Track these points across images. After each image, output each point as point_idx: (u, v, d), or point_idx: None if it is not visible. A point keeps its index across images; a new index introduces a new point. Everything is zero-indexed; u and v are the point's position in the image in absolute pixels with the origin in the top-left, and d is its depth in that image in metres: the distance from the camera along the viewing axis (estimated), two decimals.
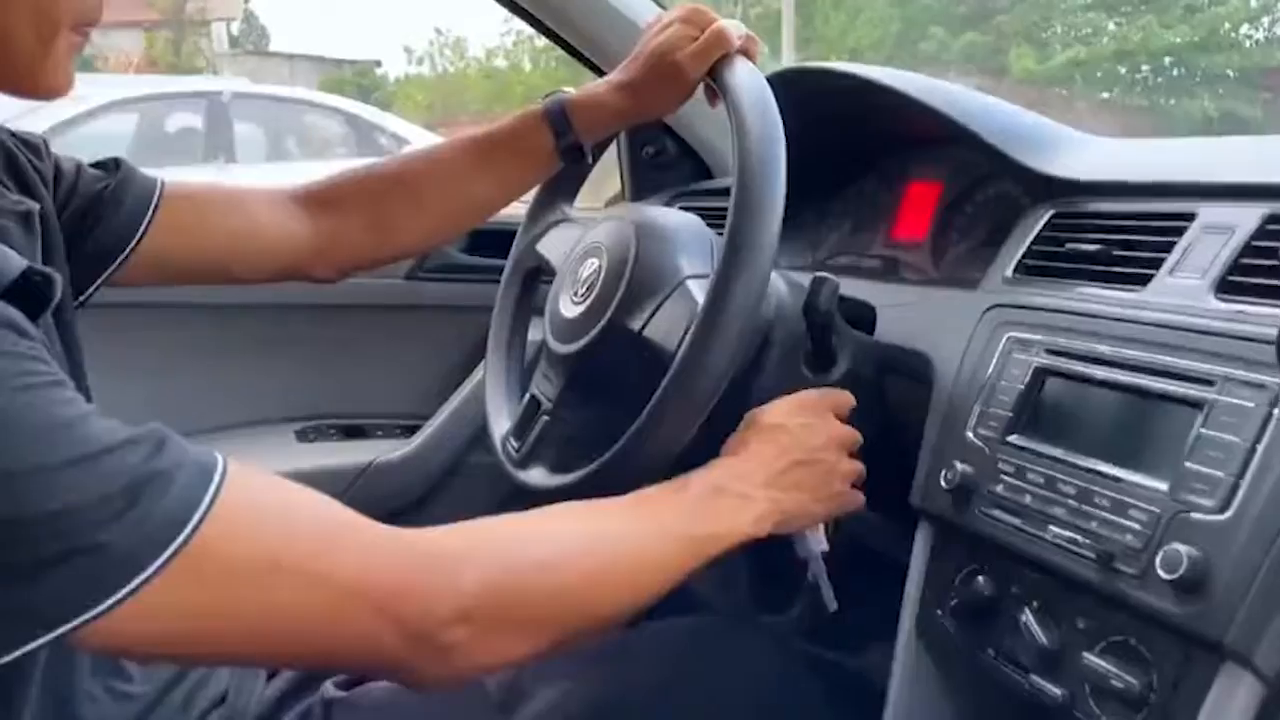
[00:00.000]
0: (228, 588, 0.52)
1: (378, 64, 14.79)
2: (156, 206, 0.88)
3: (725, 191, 0.81)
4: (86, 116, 5.40)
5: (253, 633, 0.54)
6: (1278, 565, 0.59)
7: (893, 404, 0.95)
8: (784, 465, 0.77)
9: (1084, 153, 0.94)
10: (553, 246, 1.06)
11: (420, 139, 6.12)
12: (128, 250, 0.87)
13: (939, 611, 0.82)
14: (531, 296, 1.09)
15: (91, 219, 0.86)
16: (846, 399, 0.83)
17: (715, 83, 0.89)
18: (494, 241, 1.23)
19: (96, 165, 0.89)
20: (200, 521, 0.50)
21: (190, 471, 0.51)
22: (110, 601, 0.47)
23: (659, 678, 0.89)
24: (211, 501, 0.51)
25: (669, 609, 1.04)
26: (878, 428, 0.94)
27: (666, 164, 1.43)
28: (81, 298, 0.86)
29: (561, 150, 0.95)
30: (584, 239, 0.98)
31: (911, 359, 0.92)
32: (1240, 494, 0.61)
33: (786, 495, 0.76)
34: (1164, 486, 0.66)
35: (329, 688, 0.85)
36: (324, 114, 6.36)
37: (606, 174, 1.51)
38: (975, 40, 13.02)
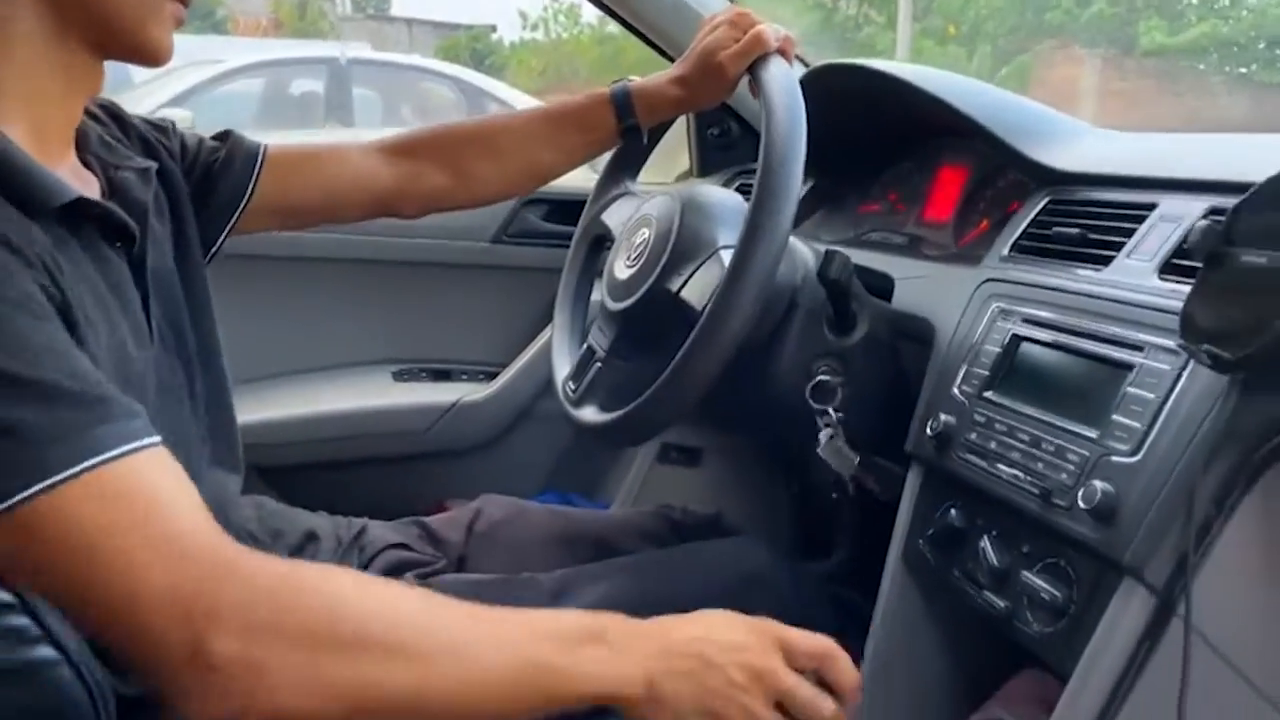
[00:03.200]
0: (67, 541, 0.58)
1: (493, 29, 15.01)
2: (261, 165, 1.03)
3: None
4: (220, 80, 5.75)
5: (64, 595, 0.60)
6: (1170, 499, 0.71)
7: (905, 365, 1.07)
8: (687, 651, 0.68)
9: (1083, 144, 1.05)
10: (614, 216, 1.21)
11: (526, 103, 6.32)
12: (243, 203, 1.02)
13: (920, 541, 0.95)
14: (596, 260, 1.24)
15: (211, 181, 1.01)
16: (818, 651, 0.71)
17: (753, 79, 1.02)
18: (570, 211, 1.37)
19: (214, 138, 1.04)
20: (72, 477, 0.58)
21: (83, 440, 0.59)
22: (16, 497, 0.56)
23: (689, 581, 1.03)
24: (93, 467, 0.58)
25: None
26: (891, 384, 1.08)
27: (730, 144, 1.56)
28: (213, 248, 1.01)
29: (622, 131, 1.10)
30: (639, 210, 1.12)
31: (919, 324, 1.05)
32: (1149, 440, 0.73)
33: (668, 678, 0.67)
34: (1094, 434, 0.78)
35: (411, 578, 1.01)
36: (437, 80, 6.59)
37: (677, 152, 1.65)
38: (1104, 11, 12.58)
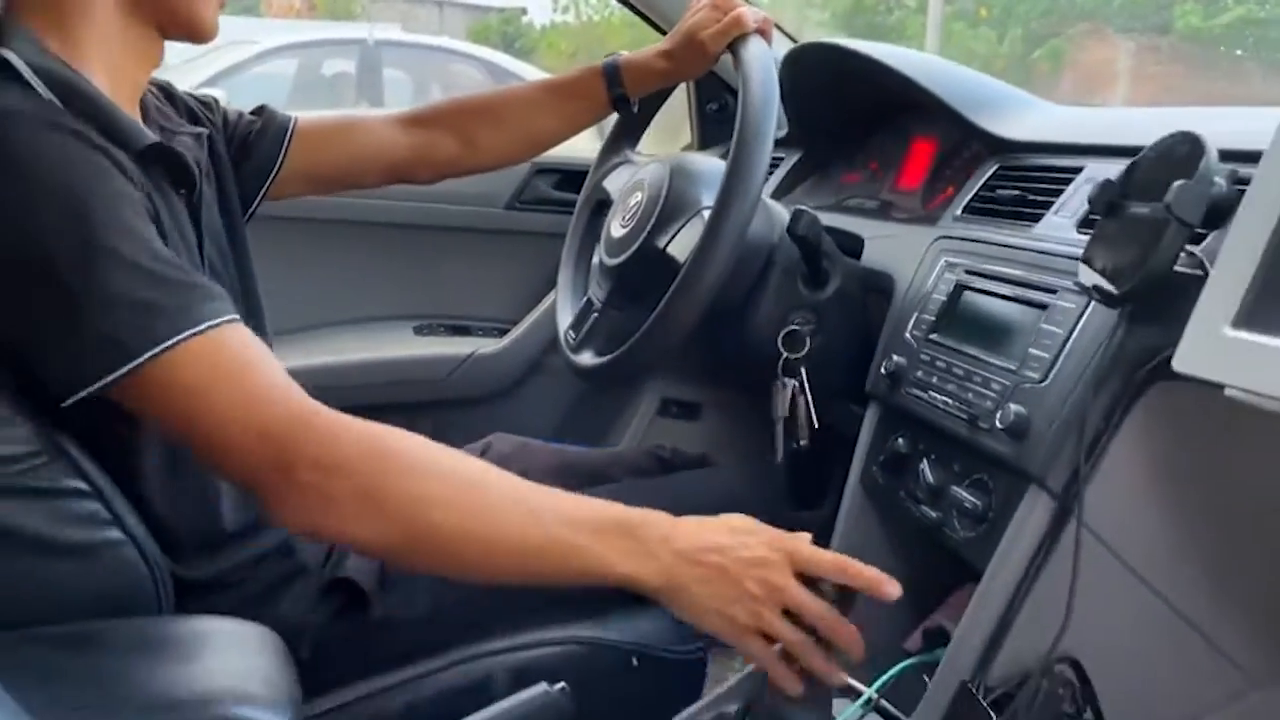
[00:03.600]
0: (180, 397, 0.74)
1: (523, 11, 15.08)
2: (290, 136, 1.16)
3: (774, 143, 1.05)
4: (254, 60, 5.90)
5: (185, 435, 0.76)
6: (1068, 417, 0.82)
7: (870, 315, 1.19)
8: (707, 559, 0.75)
9: (1031, 117, 1.16)
10: (614, 183, 1.34)
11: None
12: (274, 170, 1.15)
13: (874, 467, 1.07)
14: (597, 224, 1.36)
15: (247, 150, 1.14)
16: (832, 565, 0.76)
17: (734, 57, 1.13)
18: (577, 180, 1.48)
19: (251, 112, 1.17)
20: (202, 333, 0.74)
21: (206, 308, 0.75)
22: (144, 356, 0.72)
23: (671, 502, 1.15)
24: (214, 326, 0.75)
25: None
26: (858, 334, 1.19)
27: (728, 118, 1.66)
28: (250, 209, 1.14)
29: (613, 100, 1.22)
30: (635, 176, 1.24)
31: (883, 279, 1.17)
32: (1055, 368, 0.85)
33: (689, 577, 0.74)
34: (1014, 366, 0.89)
35: None
36: (466, 63, 6.71)
37: (681, 127, 1.77)
38: None
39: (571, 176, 1.69)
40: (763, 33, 1.14)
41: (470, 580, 0.79)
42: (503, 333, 1.75)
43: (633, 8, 1.57)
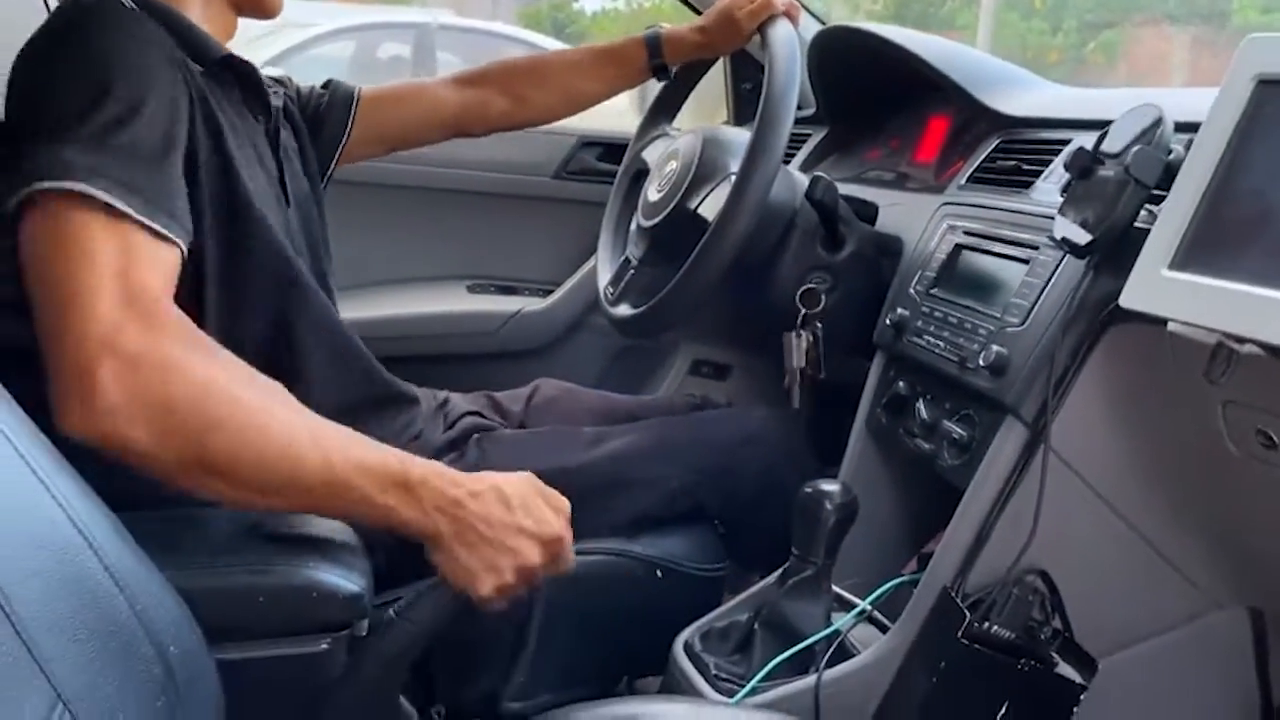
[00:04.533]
0: (69, 242, 0.74)
1: None
2: (356, 103, 1.29)
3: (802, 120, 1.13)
4: (312, 42, 6.06)
5: (39, 283, 0.74)
6: (1040, 355, 0.94)
7: (882, 276, 1.31)
8: (477, 525, 0.79)
9: (1033, 95, 1.26)
10: (652, 154, 1.46)
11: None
12: (345, 135, 1.28)
13: (878, 409, 1.19)
14: (636, 192, 1.48)
15: (319, 119, 1.27)
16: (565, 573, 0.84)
17: (761, 37, 1.25)
18: (621, 153, 1.60)
19: (321, 86, 1.31)
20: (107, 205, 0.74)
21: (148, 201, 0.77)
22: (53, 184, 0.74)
23: (701, 433, 1.27)
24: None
25: None
26: (870, 293, 1.31)
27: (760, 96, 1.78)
28: (327, 174, 1.27)
29: (652, 68, 1.35)
30: (670, 146, 1.37)
31: (893, 242, 1.28)
32: (1032, 313, 0.97)
33: (452, 535, 0.78)
34: (998, 313, 1.01)
35: (477, 438, 1.26)
36: (519, 47, 6.82)
37: (716, 105, 1.89)
38: None
39: (614, 149, 1.82)
40: (790, 16, 1.26)
41: (247, 507, 0.79)
42: (548, 293, 1.88)
43: None
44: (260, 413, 0.75)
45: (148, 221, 0.77)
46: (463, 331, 1.81)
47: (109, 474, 0.70)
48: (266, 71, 1.22)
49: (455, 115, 1.35)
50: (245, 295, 0.97)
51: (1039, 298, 0.96)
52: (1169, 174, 0.85)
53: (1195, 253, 0.76)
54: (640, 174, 1.48)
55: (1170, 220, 0.78)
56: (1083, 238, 0.89)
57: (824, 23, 1.62)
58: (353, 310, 1.71)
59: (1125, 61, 9.64)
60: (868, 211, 1.38)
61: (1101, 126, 1.06)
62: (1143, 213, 0.88)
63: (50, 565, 0.66)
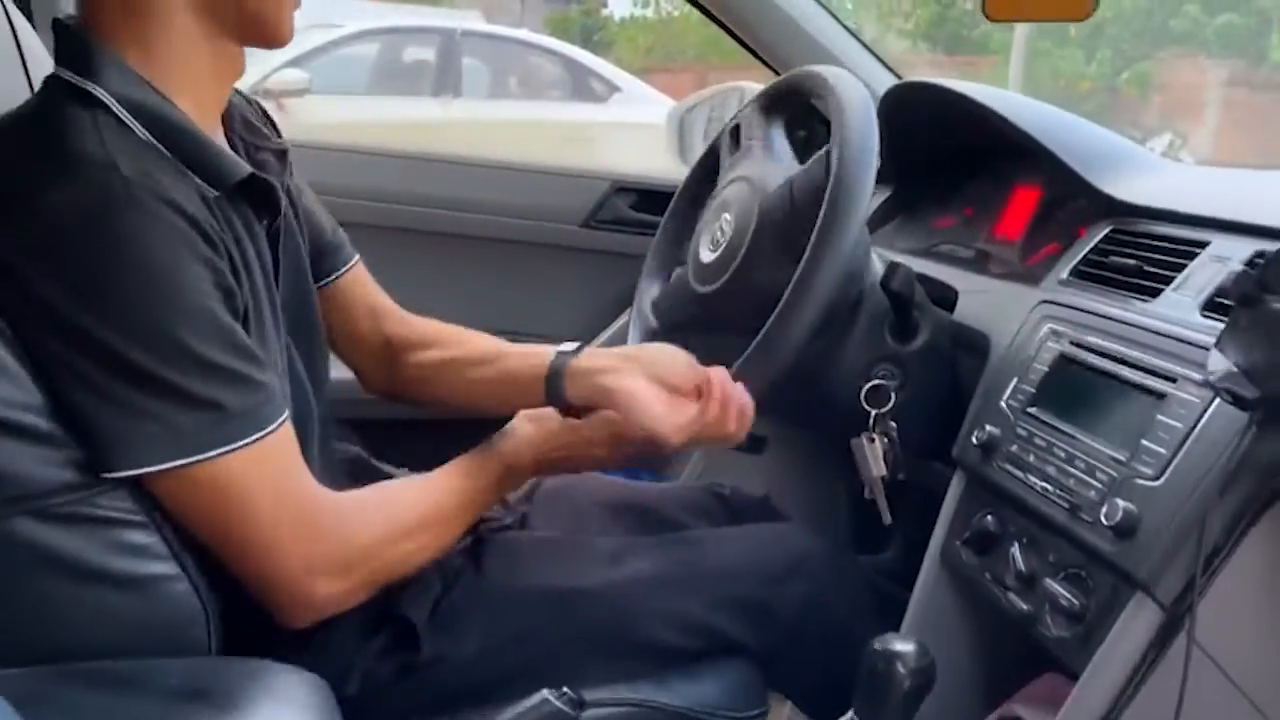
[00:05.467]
0: (228, 497, 0.78)
1: (604, 4, 15.09)
2: (336, 279, 1.10)
3: None
4: (338, 44, 5.97)
5: (233, 528, 0.80)
6: (1185, 523, 0.76)
7: (960, 373, 1.13)
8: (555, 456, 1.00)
9: (1149, 176, 1.08)
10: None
11: (632, 87, 6.40)
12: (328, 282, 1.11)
13: (958, 542, 1.01)
14: (689, 230, 1.26)
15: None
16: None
17: (821, 100, 1.07)
18: (657, 201, 1.45)
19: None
20: (242, 447, 0.77)
21: (266, 411, 0.79)
22: (200, 456, 0.76)
23: (734, 559, 1.10)
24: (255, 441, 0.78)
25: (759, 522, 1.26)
26: (946, 391, 1.13)
27: (815, 146, 1.61)
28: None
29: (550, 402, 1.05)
30: (722, 193, 1.18)
31: (976, 337, 1.10)
32: (1172, 467, 0.78)
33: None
34: (1124, 456, 0.83)
35: (485, 532, 1.10)
36: (545, 56, 6.71)
37: None
38: (1233, 22, 12.13)
39: (651, 197, 1.65)
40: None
41: None
42: None
43: (738, 39, 1.53)
44: (418, 524, 0.90)
45: (274, 425, 0.80)
46: None
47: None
48: (266, 75, 1.09)
49: (363, 357, 1.17)
50: None
51: (1181, 447, 0.78)
52: None
53: None
54: (697, 200, 1.31)
55: None
56: (1249, 390, 0.71)
57: (897, 75, 1.45)
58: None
59: (1159, 93, 9.47)
60: (945, 296, 1.20)
61: (1245, 231, 0.89)
62: None
63: None
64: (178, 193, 0.77)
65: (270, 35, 0.90)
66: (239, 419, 0.77)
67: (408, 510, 0.90)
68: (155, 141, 0.79)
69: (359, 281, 1.15)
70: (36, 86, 1.00)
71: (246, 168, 0.85)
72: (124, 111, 0.79)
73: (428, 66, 6.41)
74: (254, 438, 0.78)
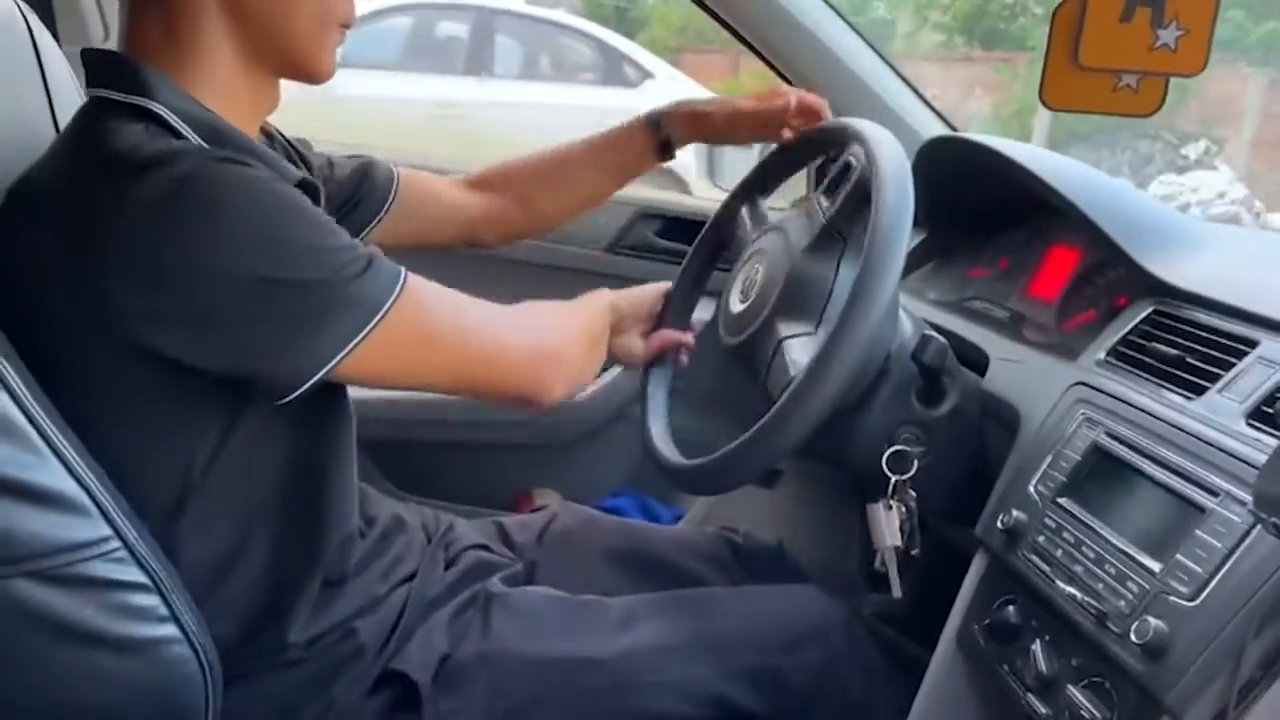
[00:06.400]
0: (429, 330, 0.89)
1: None
2: (396, 188, 1.19)
3: None
4: (371, 17, 5.93)
5: (439, 373, 0.91)
6: (1219, 651, 0.72)
7: (987, 444, 1.10)
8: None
9: (1195, 254, 1.04)
10: (741, 229, 1.24)
11: (664, 74, 6.33)
12: (377, 219, 1.18)
13: (976, 626, 0.98)
14: (709, 271, 1.30)
15: (355, 199, 1.15)
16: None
17: (863, 151, 1.03)
18: (682, 229, 1.41)
19: (354, 162, 1.17)
20: (397, 297, 0.84)
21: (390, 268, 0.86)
22: (361, 335, 0.81)
23: (746, 625, 1.08)
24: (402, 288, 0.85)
25: (778, 577, 1.23)
26: (971, 460, 1.10)
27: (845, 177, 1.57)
28: None
29: (657, 145, 1.23)
30: (755, 244, 1.15)
31: (1006, 410, 1.07)
32: (1209, 589, 0.75)
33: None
34: (1158, 569, 0.80)
35: (495, 583, 1.09)
36: (578, 38, 6.64)
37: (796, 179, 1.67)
38: (1278, 30, 11.91)
39: (676, 224, 1.62)
40: (811, 113, 1.18)
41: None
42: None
43: (746, 44, 1.50)
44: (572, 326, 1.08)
45: (405, 273, 0.87)
46: (486, 419, 1.61)
47: None
48: (293, 138, 1.11)
49: (471, 220, 1.26)
50: (290, 449, 0.92)
51: (1220, 569, 0.75)
52: None
53: None
54: (720, 246, 1.28)
55: None
56: None
57: (949, 123, 1.40)
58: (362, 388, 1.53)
59: (1197, 99, 9.32)
60: (975, 357, 1.17)
61: None
62: None
63: None
64: (263, 171, 0.81)
65: (309, 71, 0.92)
66: (385, 271, 0.84)
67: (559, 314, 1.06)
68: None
69: (413, 185, 1.23)
70: (59, 109, 0.99)
71: (297, 172, 0.89)
72: (177, 119, 0.81)
73: (461, 43, 6.35)
74: (403, 279, 0.85)
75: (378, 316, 0.82)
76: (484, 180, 1.26)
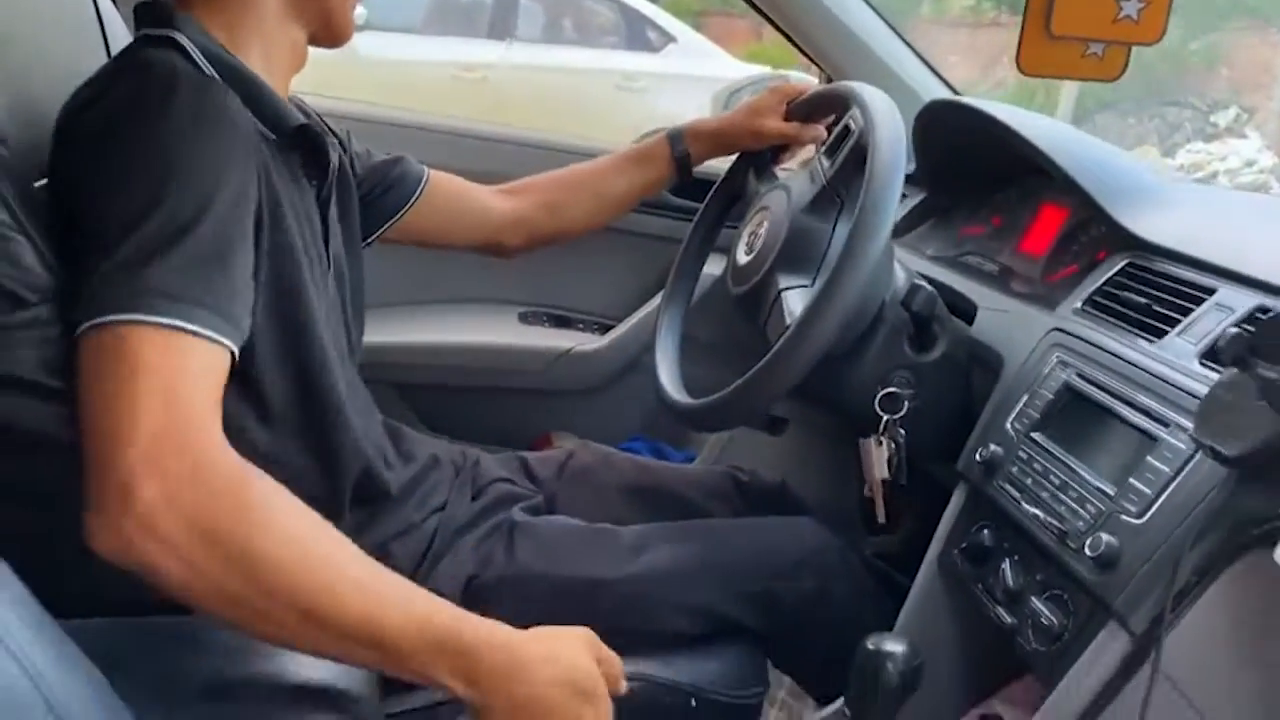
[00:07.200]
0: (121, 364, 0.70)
1: None
2: (424, 185, 1.25)
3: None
4: None
5: (86, 397, 0.71)
6: (1160, 562, 0.81)
7: (972, 387, 1.18)
8: (530, 707, 0.73)
9: (1170, 213, 1.11)
10: (752, 183, 1.33)
11: (687, 38, 6.35)
12: (402, 213, 1.24)
13: (955, 550, 1.08)
14: (720, 223, 1.38)
15: (384, 190, 1.22)
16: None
17: (862, 113, 1.11)
18: (694, 187, 1.49)
19: (389, 158, 1.24)
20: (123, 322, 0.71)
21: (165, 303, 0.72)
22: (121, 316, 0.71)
23: (748, 552, 1.17)
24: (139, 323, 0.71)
25: (780, 511, 1.32)
26: (957, 403, 1.19)
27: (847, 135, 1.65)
28: (367, 241, 1.20)
29: (675, 159, 1.32)
30: (761, 199, 1.24)
31: (991, 355, 1.15)
32: (1154, 508, 0.84)
33: (502, 712, 0.73)
34: (1112, 491, 0.88)
35: (517, 513, 1.18)
36: (600, 1, 6.66)
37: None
38: None
39: (694, 183, 1.69)
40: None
41: (274, 642, 0.75)
42: (604, 329, 1.77)
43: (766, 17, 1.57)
44: (303, 550, 0.71)
45: (204, 332, 0.74)
46: (509, 366, 1.71)
47: (91, 573, 0.69)
48: (329, 116, 1.15)
49: (498, 227, 1.31)
50: (278, 371, 0.92)
51: (1164, 490, 0.84)
52: None
53: None
54: (730, 204, 1.37)
55: None
56: (1232, 447, 0.76)
57: (950, 85, 1.47)
58: (395, 333, 1.62)
59: (1226, 65, 9.22)
60: (965, 307, 1.25)
61: (1262, 287, 0.93)
62: None
63: None
64: (233, 110, 0.83)
65: (339, 31, 1.00)
66: (177, 305, 0.73)
67: (302, 527, 0.72)
68: (221, 80, 0.86)
69: (440, 187, 1.28)
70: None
71: (300, 117, 0.93)
72: (197, 53, 0.87)
73: (483, 7, 6.38)
74: (178, 323, 0.72)
75: (115, 317, 0.72)
76: (512, 188, 1.33)
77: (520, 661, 0.74)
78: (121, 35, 1.13)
